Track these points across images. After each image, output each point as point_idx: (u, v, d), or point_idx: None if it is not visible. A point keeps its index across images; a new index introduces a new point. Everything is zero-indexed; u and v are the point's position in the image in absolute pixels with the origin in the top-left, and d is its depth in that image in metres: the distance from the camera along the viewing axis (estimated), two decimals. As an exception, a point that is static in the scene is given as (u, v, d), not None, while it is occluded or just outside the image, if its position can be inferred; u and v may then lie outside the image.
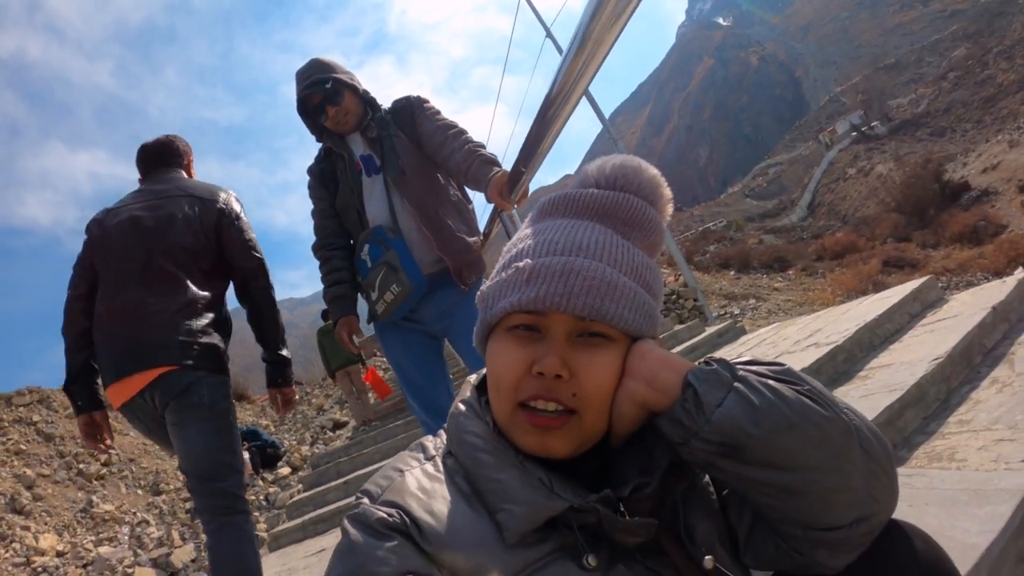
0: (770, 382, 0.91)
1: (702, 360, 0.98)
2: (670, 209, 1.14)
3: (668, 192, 1.13)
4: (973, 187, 33.90)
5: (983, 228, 26.58)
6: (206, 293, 3.16)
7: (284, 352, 3.43)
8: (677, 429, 0.93)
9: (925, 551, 0.97)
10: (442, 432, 1.13)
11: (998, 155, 36.43)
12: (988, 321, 3.78)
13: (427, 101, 3.32)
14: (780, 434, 0.87)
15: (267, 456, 10.35)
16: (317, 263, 3.38)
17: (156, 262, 3.09)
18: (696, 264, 22.21)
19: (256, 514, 7.83)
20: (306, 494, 8.07)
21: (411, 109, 3.31)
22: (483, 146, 3.09)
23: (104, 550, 6.83)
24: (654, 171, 1.11)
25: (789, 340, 5.36)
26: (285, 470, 10.18)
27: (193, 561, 6.43)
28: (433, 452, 1.08)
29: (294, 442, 12.03)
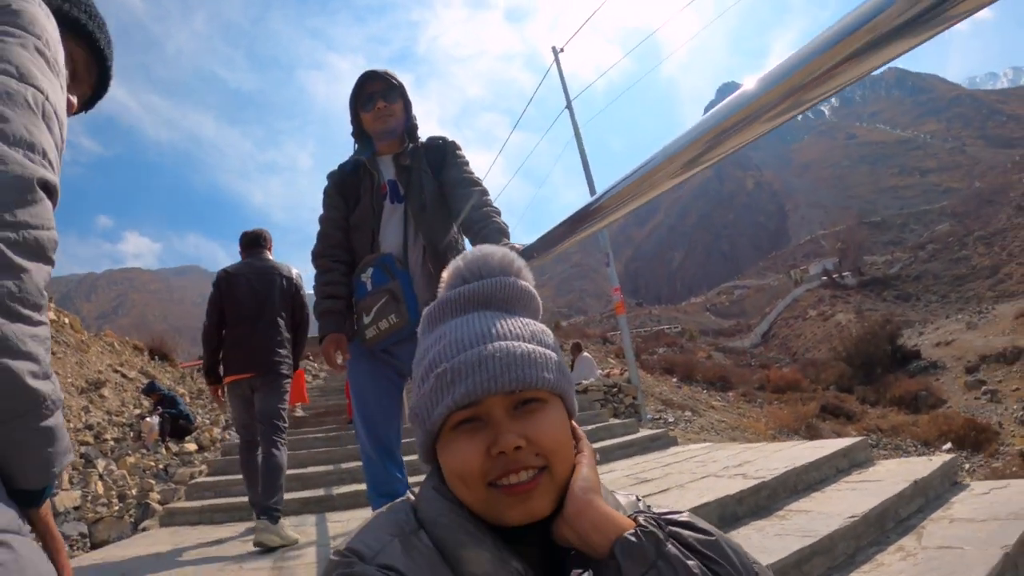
0: (690, 564, 0.95)
1: (639, 515, 1.04)
2: (529, 273, 1.24)
3: (521, 260, 1.24)
4: (923, 357, 34.64)
5: (924, 398, 27.09)
6: (287, 334, 5.79)
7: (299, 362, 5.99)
8: None
9: None
10: (407, 508, 1.14)
11: (954, 333, 37.32)
12: (907, 493, 3.97)
13: (460, 148, 3.41)
14: None
15: (177, 427, 10.09)
16: (314, 270, 3.36)
17: (265, 313, 5.69)
18: (642, 362, 22.36)
19: (151, 481, 7.64)
20: (210, 478, 7.92)
21: (444, 151, 3.37)
22: (499, 213, 3.16)
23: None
24: (502, 250, 1.23)
25: (718, 464, 5.50)
26: (192, 446, 9.91)
27: (76, 508, 6.17)
28: (408, 528, 1.08)
29: (207, 421, 11.75)
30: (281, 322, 5.70)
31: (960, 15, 0.89)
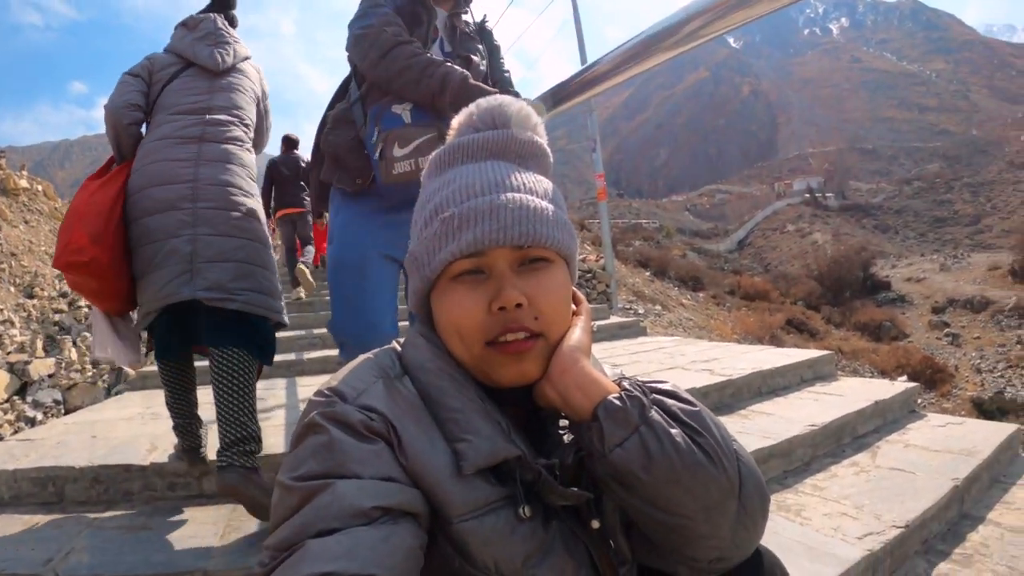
0: (673, 432, 0.95)
1: (624, 380, 1.04)
2: (544, 130, 1.20)
3: (537, 116, 1.19)
4: (893, 290, 35.11)
5: (887, 328, 27.49)
6: None
7: None
8: (585, 444, 0.99)
9: None
10: (391, 354, 1.12)
11: (927, 272, 37.78)
12: (867, 411, 4.04)
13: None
14: (666, 484, 0.93)
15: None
16: (382, 51, 2.56)
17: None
18: (618, 253, 22.44)
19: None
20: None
21: (493, 40, 3.09)
22: None
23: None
24: (520, 102, 1.17)
25: (686, 358, 5.56)
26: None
27: (51, 376, 6.08)
28: (392, 372, 1.07)
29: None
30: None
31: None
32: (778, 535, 2.55)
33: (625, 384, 1.01)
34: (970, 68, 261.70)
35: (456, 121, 1.19)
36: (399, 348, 1.14)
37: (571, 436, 1.07)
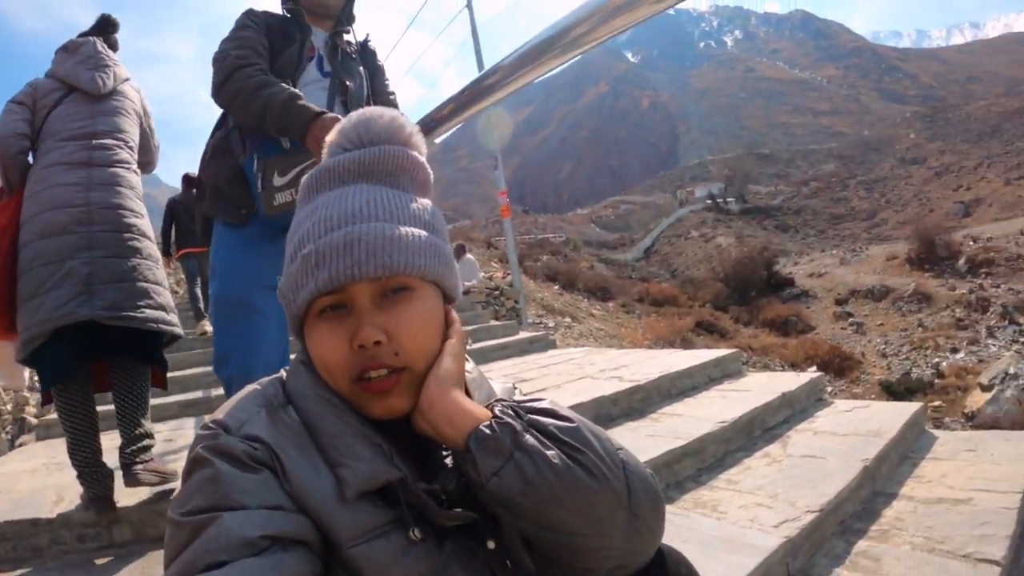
0: (549, 454, 0.92)
1: (496, 405, 1.00)
2: (421, 140, 1.15)
3: (413, 126, 1.14)
4: (797, 286, 36.09)
5: (793, 323, 28.22)
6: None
7: None
8: (463, 471, 0.96)
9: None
10: (277, 384, 1.09)
11: (828, 267, 38.99)
12: (775, 404, 4.13)
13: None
14: (547, 505, 0.91)
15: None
16: (222, 76, 2.45)
17: None
18: (526, 268, 22.56)
19: (26, 395, 7.24)
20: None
21: (375, 59, 3.02)
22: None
23: None
24: (391, 112, 1.13)
25: (595, 367, 5.59)
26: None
27: None
28: (275, 402, 1.04)
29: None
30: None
31: None
32: (696, 531, 2.56)
33: (497, 409, 0.98)
34: (859, 73, 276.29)
35: (327, 140, 1.14)
36: (285, 377, 1.10)
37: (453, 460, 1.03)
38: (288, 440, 0.96)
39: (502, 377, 1.10)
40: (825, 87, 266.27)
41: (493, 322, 10.28)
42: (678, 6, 1.27)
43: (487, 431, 0.94)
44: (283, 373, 1.12)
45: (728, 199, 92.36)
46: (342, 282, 0.97)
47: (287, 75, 2.60)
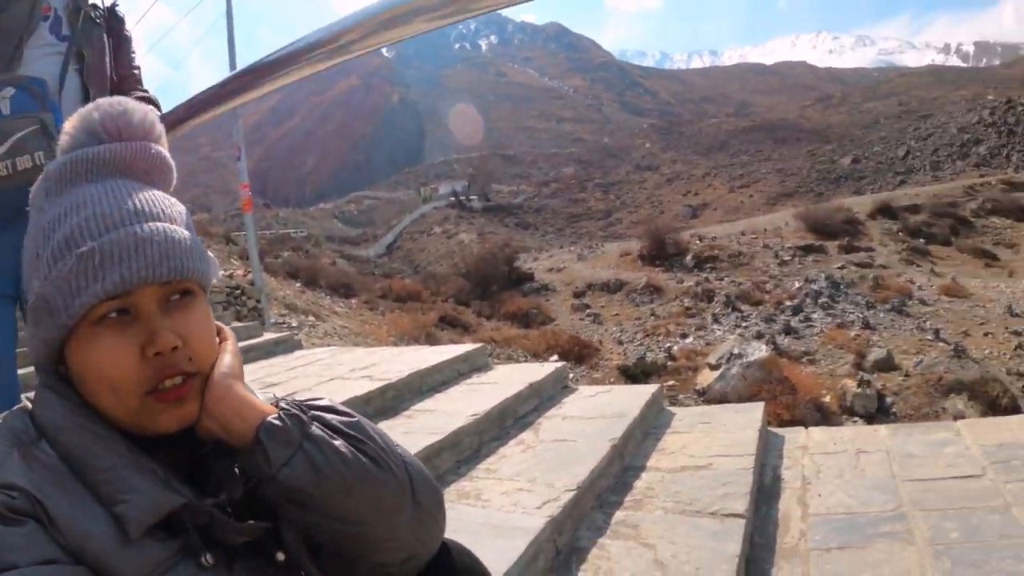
0: (336, 443, 0.95)
1: (280, 402, 1.01)
2: (166, 141, 1.11)
3: (161, 125, 1.10)
4: (536, 280, 37.36)
5: (534, 315, 29.19)
6: None
7: None
8: (250, 470, 0.95)
9: (472, 565, 1.15)
10: (23, 416, 0.95)
11: (566, 262, 40.56)
12: (524, 394, 4.31)
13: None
14: (338, 495, 0.93)
15: None
16: None
17: None
18: (267, 265, 21.90)
19: None
20: None
21: (122, 25, 2.71)
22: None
23: None
24: (144, 108, 1.07)
25: (345, 367, 5.55)
26: None
27: None
28: (26, 438, 0.90)
29: None
30: None
31: None
32: (463, 521, 2.63)
33: (283, 404, 0.99)
34: (604, 86, 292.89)
35: (70, 124, 1.03)
36: (30, 407, 0.96)
37: (237, 469, 0.99)
38: (48, 482, 0.84)
39: (250, 381, 1.08)
40: (571, 96, 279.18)
41: (235, 323, 9.89)
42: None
43: (277, 422, 0.94)
44: (27, 402, 0.98)
45: (471, 197, 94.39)
46: (135, 284, 0.90)
47: (13, 35, 2.27)
